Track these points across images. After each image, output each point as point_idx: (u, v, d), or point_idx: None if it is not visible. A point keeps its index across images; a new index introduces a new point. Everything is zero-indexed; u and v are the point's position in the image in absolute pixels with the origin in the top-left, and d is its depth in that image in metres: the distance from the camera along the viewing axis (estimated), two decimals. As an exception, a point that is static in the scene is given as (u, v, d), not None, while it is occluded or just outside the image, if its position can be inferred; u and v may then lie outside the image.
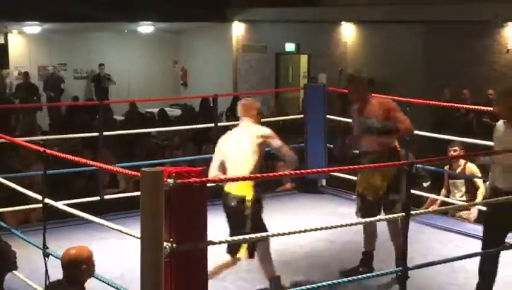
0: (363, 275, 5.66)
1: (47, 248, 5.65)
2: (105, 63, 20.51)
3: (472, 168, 8.64)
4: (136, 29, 20.92)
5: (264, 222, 5.84)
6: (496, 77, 15.22)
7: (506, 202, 5.49)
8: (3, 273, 5.12)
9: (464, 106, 10.40)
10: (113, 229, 5.07)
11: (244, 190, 5.69)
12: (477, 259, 5.88)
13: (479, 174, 8.52)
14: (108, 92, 20.15)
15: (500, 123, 5.77)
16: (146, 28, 20.87)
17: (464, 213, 8.54)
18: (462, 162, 8.66)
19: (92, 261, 4.66)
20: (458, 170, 8.68)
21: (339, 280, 5.28)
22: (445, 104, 9.59)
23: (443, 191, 8.87)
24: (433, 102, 9.41)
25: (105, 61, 20.65)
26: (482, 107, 8.93)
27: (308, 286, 4.85)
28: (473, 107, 9.92)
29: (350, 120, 9.81)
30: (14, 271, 6.03)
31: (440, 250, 7.07)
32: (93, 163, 5.50)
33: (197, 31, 21.51)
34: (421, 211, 5.27)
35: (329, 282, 5.22)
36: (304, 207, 8.67)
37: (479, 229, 7.76)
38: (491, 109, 9.60)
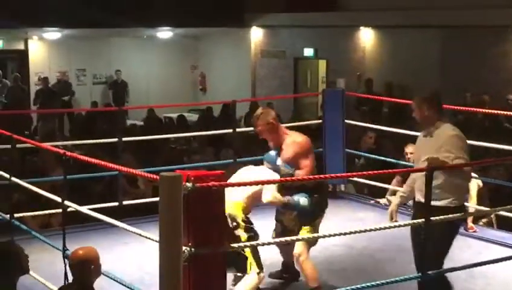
0: (382, 281, 5.65)
1: (67, 249, 5.68)
2: (124, 69, 20.59)
3: None
4: (154, 34, 20.99)
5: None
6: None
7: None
8: (16, 277, 5.15)
9: (482, 110, 10.35)
10: (132, 232, 5.10)
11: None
12: (497, 265, 5.85)
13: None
14: (126, 99, 20.24)
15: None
16: (165, 33, 20.94)
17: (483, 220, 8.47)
18: None
19: (99, 262, 4.66)
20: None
21: (358, 286, 5.27)
22: (464, 108, 9.53)
23: None
24: (453, 106, 9.39)
25: (124, 66, 20.73)
26: (501, 112, 8.88)
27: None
28: (492, 111, 9.88)
29: (368, 125, 9.81)
30: (34, 274, 6.09)
31: (459, 255, 7.03)
32: (115, 166, 5.54)
33: (216, 36, 21.56)
34: (441, 217, 5.21)
35: (349, 288, 5.22)
36: (322, 212, 8.64)
37: (499, 235, 7.76)
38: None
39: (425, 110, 5.59)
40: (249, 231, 5.81)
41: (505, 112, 9.41)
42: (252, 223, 5.91)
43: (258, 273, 5.76)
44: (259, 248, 5.80)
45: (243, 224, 5.80)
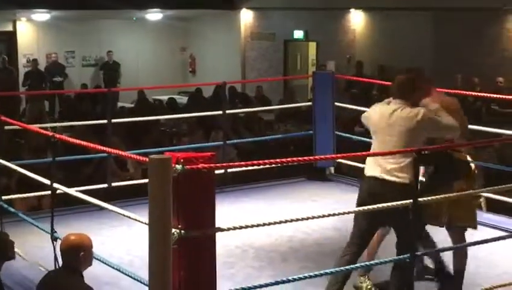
0: (371, 262, 5.65)
1: (55, 232, 5.66)
2: (114, 51, 20.49)
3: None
4: (144, 16, 20.88)
5: None
6: (505, 64, 15.17)
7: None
8: (1, 263, 5.12)
9: (473, 93, 10.36)
10: (122, 215, 5.08)
11: None
12: (488, 247, 5.88)
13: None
14: (117, 80, 20.16)
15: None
16: (154, 15, 20.83)
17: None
18: None
19: (90, 250, 4.56)
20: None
21: (347, 267, 5.28)
22: (454, 91, 9.52)
23: None
24: (444, 89, 9.37)
25: (114, 48, 20.61)
26: (491, 95, 8.88)
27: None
28: (482, 94, 9.88)
29: (360, 108, 9.77)
30: (22, 256, 6.08)
31: (448, 237, 7.04)
32: (104, 148, 5.50)
33: (206, 18, 21.47)
34: (431, 197, 5.21)
35: (338, 269, 5.23)
36: (311, 195, 8.66)
37: (491, 218, 7.78)
38: (501, 96, 9.64)
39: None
40: None
41: (494, 95, 9.41)
42: None
43: None
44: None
45: None
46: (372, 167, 5.43)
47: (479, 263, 6.28)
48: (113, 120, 8.48)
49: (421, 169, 5.56)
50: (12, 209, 6.81)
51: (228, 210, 7.23)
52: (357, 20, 18.37)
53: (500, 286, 5.60)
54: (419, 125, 5.29)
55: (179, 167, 4.14)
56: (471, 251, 5.99)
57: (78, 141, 5.72)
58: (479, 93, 10.68)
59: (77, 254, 4.47)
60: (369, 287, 5.86)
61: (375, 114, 5.56)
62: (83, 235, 4.61)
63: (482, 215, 7.87)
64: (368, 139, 6.63)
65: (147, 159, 4.03)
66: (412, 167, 5.15)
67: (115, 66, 20.23)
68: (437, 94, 5.85)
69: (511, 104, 12.91)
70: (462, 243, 5.75)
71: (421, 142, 5.32)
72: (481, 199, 8.37)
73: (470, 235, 6.53)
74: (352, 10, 18.32)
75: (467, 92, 9.85)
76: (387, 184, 5.31)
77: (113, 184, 8.19)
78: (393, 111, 5.40)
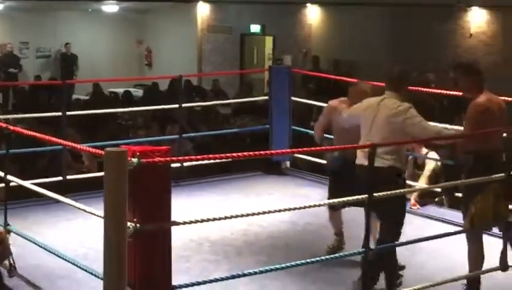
0: (328, 256, 5.71)
1: (8, 225, 5.60)
2: (70, 43, 20.31)
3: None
4: (100, 8, 20.71)
5: None
6: (459, 61, 15.37)
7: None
8: None
9: (428, 90, 10.43)
10: (77, 208, 5.05)
11: None
12: (438, 241, 5.98)
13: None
14: (74, 72, 19.98)
15: None
16: (111, 7, 20.67)
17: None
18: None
19: (5, 244, 4.47)
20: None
21: (302, 261, 5.32)
22: (410, 87, 9.59)
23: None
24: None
25: (70, 40, 20.44)
26: (445, 91, 8.97)
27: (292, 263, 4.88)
28: (436, 91, 9.97)
29: (316, 103, 9.79)
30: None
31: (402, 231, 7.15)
32: (59, 141, 5.46)
33: (163, 10, 21.36)
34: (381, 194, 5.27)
35: (293, 263, 5.27)
36: (267, 189, 8.70)
37: (440, 212, 7.92)
38: (455, 93, 9.74)
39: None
40: None
41: (449, 92, 9.52)
42: None
43: None
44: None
45: None
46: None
47: (430, 256, 6.40)
48: (68, 112, 8.41)
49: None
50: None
51: (184, 204, 7.22)
52: (313, 14, 18.45)
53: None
54: (404, 123, 5.55)
55: (134, 160, 4.14)
56: (421, 245, 6.10)
57: (32, 133, 5.67)
58: (434, 90, 10.76)
59: None
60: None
61: (363, 105, 5.82)
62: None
63: (434, 210, 8.04)
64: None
65: (103, 152, 4.02)
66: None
67: (73, 58, 20.06)
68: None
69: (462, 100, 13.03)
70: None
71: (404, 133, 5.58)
72: (443, 196, 8.53)
73: (420, 229, 6.66)
74: (308, 5, 18.39)
75: (423, 89, 9.92)
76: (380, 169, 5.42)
77: (69, 177, 8.13)
78: (381, 100, 5.69)
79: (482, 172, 5.51)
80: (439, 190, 8.22)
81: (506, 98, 6.28)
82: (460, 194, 7.51)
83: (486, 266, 5.70)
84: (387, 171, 5.50)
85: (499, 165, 5.63)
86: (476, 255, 5.66)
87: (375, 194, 5.06)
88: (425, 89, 9.77)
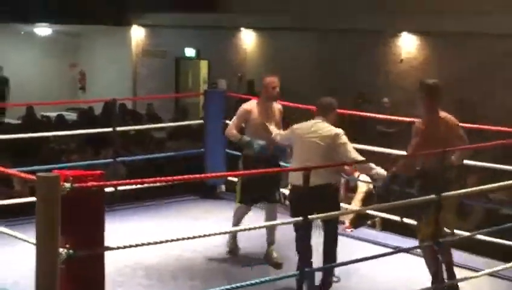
0: (262, 279, 5.72)
1: None
2: (1, 66, 19.99)
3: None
4: (33, 30, 20.47)
5: None
6: (390, 85, 15.66)
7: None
8: None
9: (360, 113, 10.62)
10: (7, 234, 4.96)
11: None
12: (369, 263, 6.08)
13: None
14: (5, 95, 19.66)
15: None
16: (43, 29, 20.46)
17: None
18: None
19: None
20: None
21: (238, 284, 5.32)
22: (343, 111, 9.74)
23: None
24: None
25: (1, 63, 20.12)
26: (377, 115, 9.14)
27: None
28: (365, 114, 10.15)
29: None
30: None
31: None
32: (-13, 166, 5.36)
33: (97, 34, 21.24)
34: (318, 215, 5.34)
35: (228, 286, 5.26)
36: (202, 212, 8.69)
37: (373, 234, 8.03)
38: (386, 116, 9.97)
39: None
40: None
41: (380, 115, 9.72)
42: None
43: None
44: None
45: None
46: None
47: (361, 279, 6.49)
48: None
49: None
50: None
51: (118, 229, 7.15)
52: (248, 39, 18.59)
53: None
54: (336, 146, 6.14)
55: (67, 185, 4.10)
56: (354, 267, 6.19)
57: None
58: (368, 114, 10.95)
59: None
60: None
61: (294, 128, 6.43)
62: None
63: (366, 232, 8.14)
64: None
65: (35, 177, 3.97)
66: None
67: (4, 81, 19.74)
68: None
69: (396, 125, 13.27)
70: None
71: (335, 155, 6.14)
72: (376, 219, 8.64)
73: (352, 253, 6.74)
74: (243, 29, 18.53)
75: (356, 112, 10.08)
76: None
77: (-1, 202, 7.97)
78: (314, 123, 6.30)
79: (431, 188, 5.91)
80: (372, 212, 8.33)
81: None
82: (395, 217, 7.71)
83: (419, 286, 5.82)
84: (324, 187, 6.00)
85: (447, 181, 6.00)
86: (431, 259, 6.10)
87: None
88: (361, 113, 9.99)
